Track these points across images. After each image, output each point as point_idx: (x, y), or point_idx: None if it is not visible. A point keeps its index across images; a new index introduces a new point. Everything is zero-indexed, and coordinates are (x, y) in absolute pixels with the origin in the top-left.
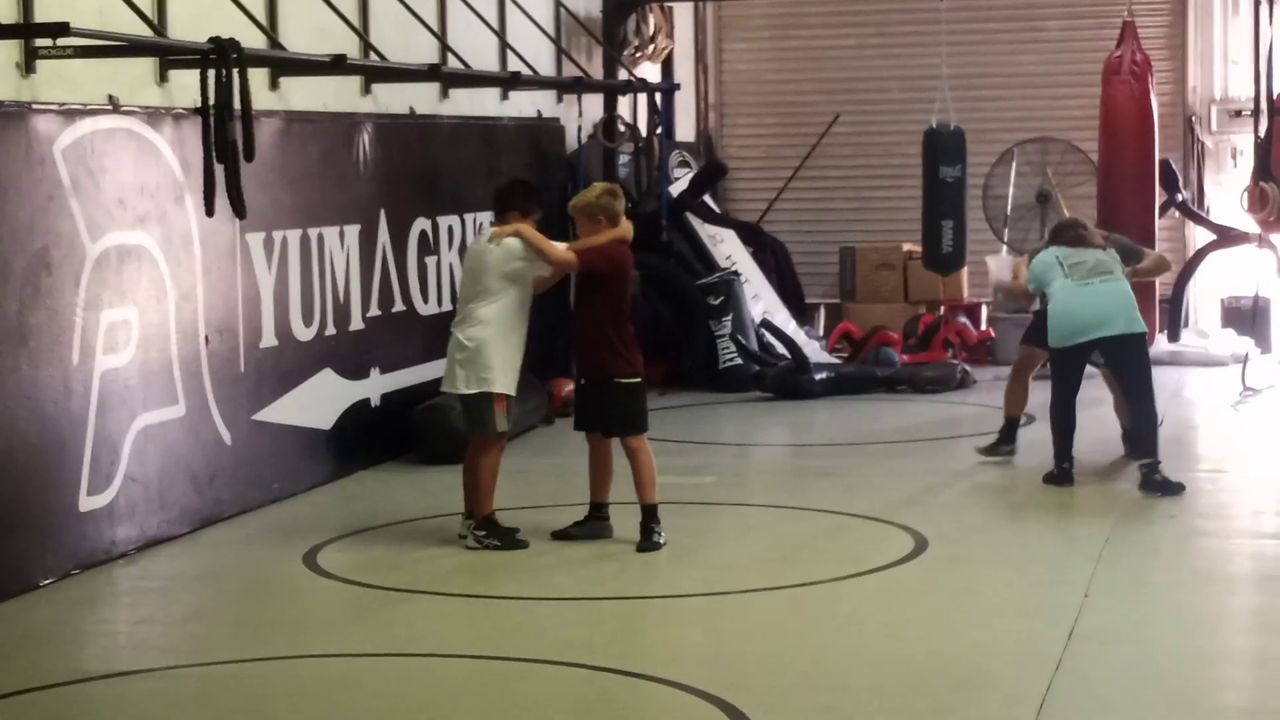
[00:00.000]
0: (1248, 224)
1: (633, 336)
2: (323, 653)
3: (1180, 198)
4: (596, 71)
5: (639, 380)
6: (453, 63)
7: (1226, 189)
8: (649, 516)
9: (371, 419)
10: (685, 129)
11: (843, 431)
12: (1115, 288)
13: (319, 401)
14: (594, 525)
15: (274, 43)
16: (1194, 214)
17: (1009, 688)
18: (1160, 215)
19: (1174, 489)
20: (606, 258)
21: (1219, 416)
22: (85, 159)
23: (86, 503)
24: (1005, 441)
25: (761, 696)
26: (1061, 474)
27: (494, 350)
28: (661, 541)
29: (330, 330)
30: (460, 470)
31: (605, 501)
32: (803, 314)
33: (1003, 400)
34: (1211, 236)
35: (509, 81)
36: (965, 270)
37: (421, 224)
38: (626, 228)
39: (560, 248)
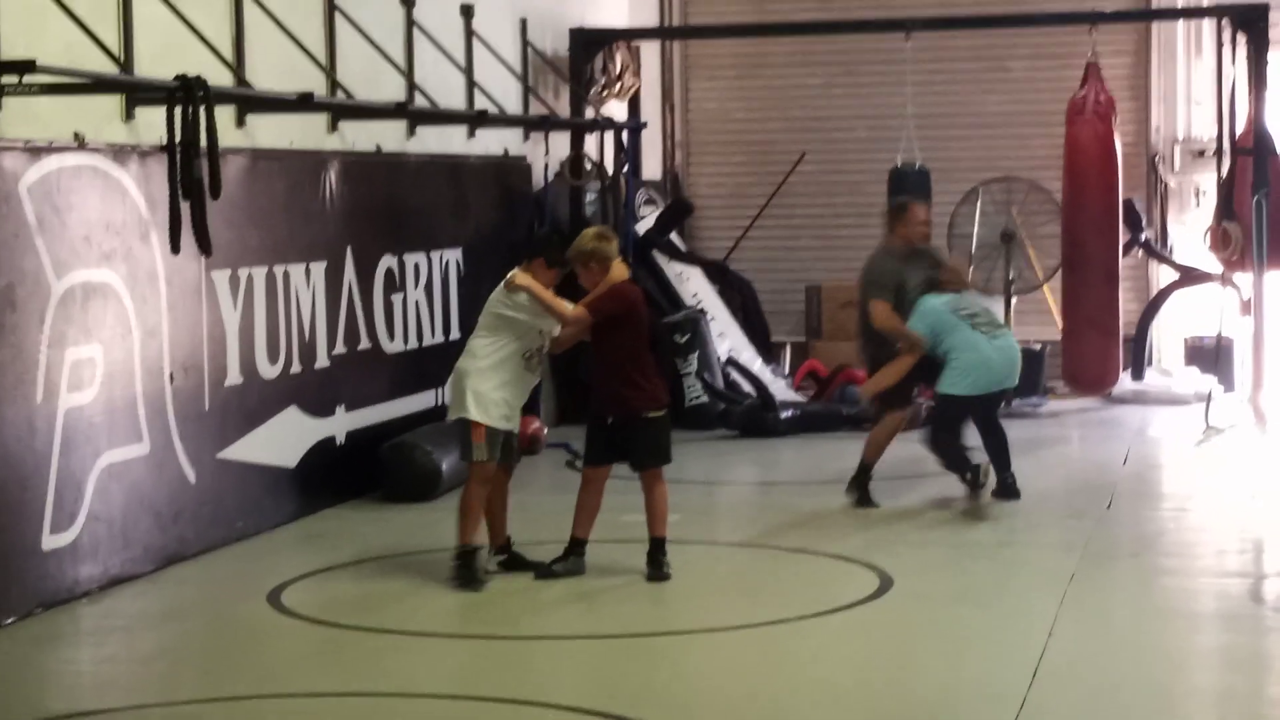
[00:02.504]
0: (1211, 263)
1: (654, 367)
2: (287, 692)
3: (1144, 237)
4: (563, 110)
5: (664, 413)
6: (420, 100)
7: (1190, 228)
8: (658, 548)
9: (337, 457)
10: (652, 167)
11: (809, 469)
12: (1014, 343)
13: (284, 439)
14: (575, 561)
15: (240, 80)
16: (1157, 253)
17: None
18: (1124, 254)
19: (1017, 495)
20: (617, 300)
21: (1182, 455)
22: (51, 196)
23: (50, 541)
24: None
25: None
26: (977, 482)
27: (473, 381)
28: (670, 572)
29: (296, 368)
30: (425, 507)
31: (585, 539)
32: (769, 352)
33: (870, 449)
34: (1175, 276)
35: (476, 119)
36: None
37: (388, 261)
38: (620, 270)
39: (569, 307)
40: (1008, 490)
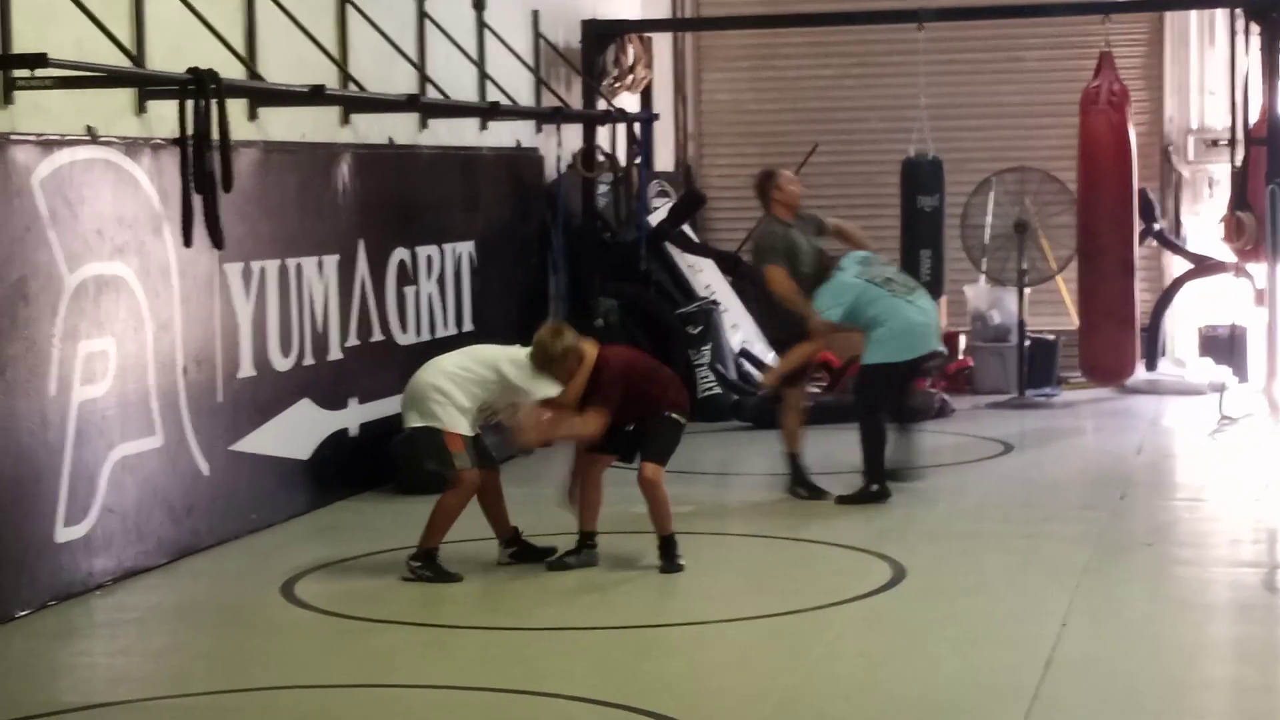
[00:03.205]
0: (1225, 253)
1: (671, 378)
2: (300, 684)
3: (1158, 227)
4: (575, 102)
5: (681, 419)
6: (431, 93)
7: (1203, 218)
8: (668, 543)
9: (350, 449)
10: (664, 159)
11: (821, 460)
12: (932, 304)
13: (297, 432)
14: (588, 554)
15: (252, 73)
16: (1171, 243)
17: (986, 717)
18: (1138, 244)
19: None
20: (611, 376)
21: (1196, 445)
22: (63, 190)
23: (63, 534)
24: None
25: None
26: (884, 491)
27: (444, 392)
28: (683, 564)
29: (309, 360)
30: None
31: (595, 530)
32: (782, 343)
33: (787, 439)
34: (1189, 266)
35: (488, 112)
36: (944, 300)
37: (400, 254)
38: (590, 347)
39: (588, 424)
40: (868, 497)
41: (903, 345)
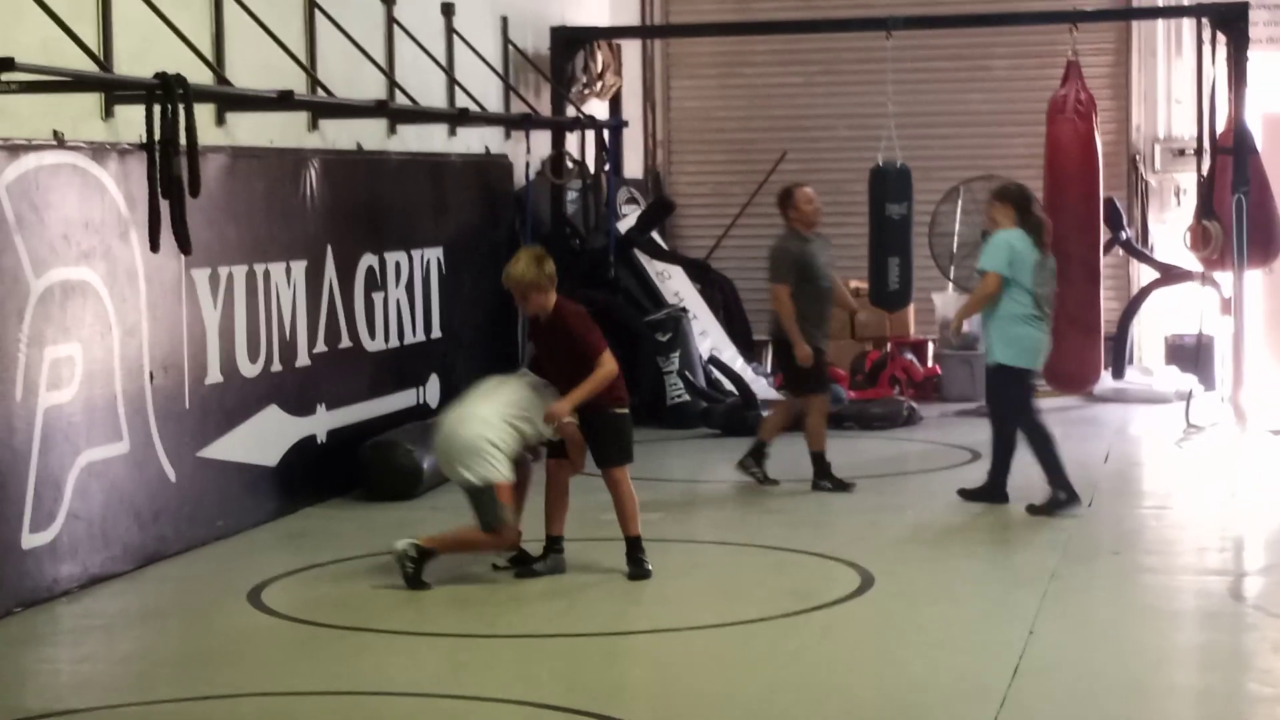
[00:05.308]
0: (1191, 262)
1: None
2: (266, 691)
3: (1124, 236)
4: (545, 108)
5: (627, 411)
6: (400, 99)
7: (1170, 227)
8: (635, 546)
9: (318, 455)
10: (633, 166)
11: (789, 468)
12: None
13: (264, 438)
14: (555, 559)
15: (220, 78)
16: (1138, 252)
17: None
18: (1105, 253)
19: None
20: (582, 316)
21: (1163, 454)
22: (29, 194)
23: (29, 540)
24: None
25: None
26: (1073, 497)
27: (484, 437)
28: (651, 569)
29: (276, 366)
30: (407, 506)
31: (562, 535)
32: (750, 350)
33: (812, 439)
34: (1155, 274)
35: (457, 118)
36: (912, 307)
37: (369, 260)
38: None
39: (601, 371)
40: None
41: (1035, 351)
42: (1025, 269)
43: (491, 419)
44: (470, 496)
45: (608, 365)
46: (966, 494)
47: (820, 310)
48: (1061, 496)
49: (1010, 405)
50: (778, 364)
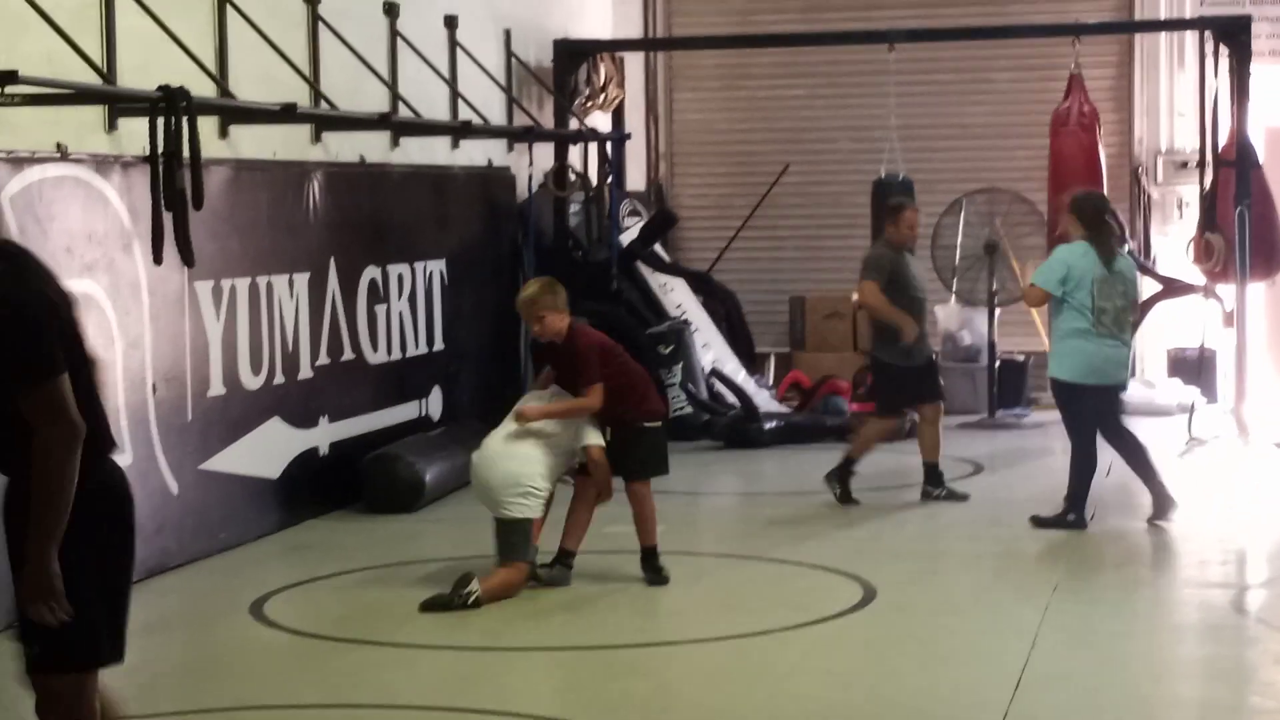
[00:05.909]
0: (1194, 275)
1: (648, 381)
2: (268, 704)
3: (1127, 248)
4: (547, 121)
5: (659, 424)
6: (403, 111)
7: (1173, 240)
8: (652, 554)
9: (320, 468)
10: (636, 178)
11: (792, 480)
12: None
13: (267, 450)
14: (560, 572)
15: (223, 91)
16: (1141, 265)
17: None
18: None
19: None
20: (597, 348)
21: (1165, 466)
22: (33, 207)
23: None
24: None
25: None
26: (1080, 521)
27: (523, 472)
28: (669, 575)
29: (279, 379)
30: (409, 519)
31: (574, 551)
32: (753, 363)
33: (927, 449)
34: (1158, 287)
35: (460, 130)
36: None
37: (371, 272)
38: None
39: (584, 399)
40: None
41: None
42: (1083, 285)
43: (533, 456)
44: (501, 526)
45: (592, 399)
46: (1039, 521)
47: (917, 319)
48: (1070, 518)
49: (1072, 421)
50: (873, 384)
